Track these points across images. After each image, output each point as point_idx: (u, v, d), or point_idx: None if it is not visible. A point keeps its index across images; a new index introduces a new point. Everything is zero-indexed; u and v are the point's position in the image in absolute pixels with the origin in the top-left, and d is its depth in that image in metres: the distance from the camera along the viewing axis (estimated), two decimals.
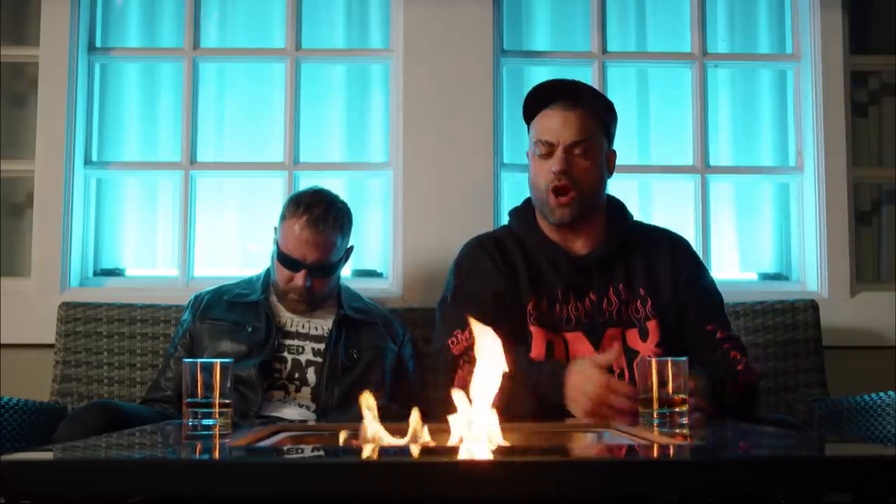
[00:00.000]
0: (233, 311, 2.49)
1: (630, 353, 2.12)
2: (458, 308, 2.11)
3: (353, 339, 2.48)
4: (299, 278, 2.42)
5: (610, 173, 2.25)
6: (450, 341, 2.08)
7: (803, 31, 3.07)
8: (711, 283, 2.26)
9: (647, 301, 2.16)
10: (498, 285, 2.15)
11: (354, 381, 2.41)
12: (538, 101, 2.19)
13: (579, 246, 2.20)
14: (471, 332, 1.98)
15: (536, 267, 2.18)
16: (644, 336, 2.14)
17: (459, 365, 2.03)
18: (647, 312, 2.15)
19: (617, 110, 2.25)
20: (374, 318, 2.55)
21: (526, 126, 2.25)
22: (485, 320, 1.99)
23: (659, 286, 2.18)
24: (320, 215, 2.41)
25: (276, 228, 2.50)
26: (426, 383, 2.60)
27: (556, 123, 2.14)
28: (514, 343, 2.01)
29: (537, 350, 2.10)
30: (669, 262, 2.20)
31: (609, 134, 2.23)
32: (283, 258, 2.43)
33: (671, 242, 2.26)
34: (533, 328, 2.12)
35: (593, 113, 2.17)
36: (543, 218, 2.21)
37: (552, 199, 2.14)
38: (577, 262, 2.17)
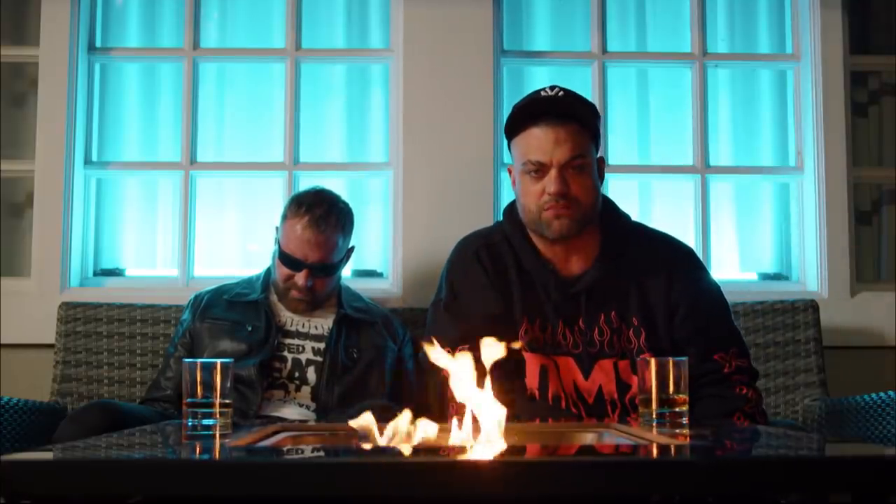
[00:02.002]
0: (233, 310, 2.50)
1: (622, 386, 2.05)
2: (451, 323, 2.07)
3: (354, 339, 2.48)
4: (300, 278, 2.42)
5: (601, 181, 2.13)
6: None
7: (803, 31, 3.07)
8: (715, 301, 2.14)
9: (642, 332, 2.05)
10: (492, 308, 2.06)
11: (354, 380, 2.42)
12: (523, 116, 2.06)
13: (573, 264, 2.10)
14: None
15: (529, 283, 2.09)
16: (637, 370, 2.01)
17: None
18: (640, 344, 2.05)
19: (599, 111, 2.13)
20: (374, 317, 2.55)
21: (507, 142, 2.13)
22: (478, 344, 2.01)
23: (654, 318, 2.07)
24: (322, 215, 2.42)
25: (277, 228, 2.51)
26: (426, 383, 2.59)
27: (546, 142, 2.01)
28: (509, 371, 1.99)
29: (531, 377, 2.05)
30: (666, 292, 2.07)
31: (598, 142, 2.11)
32: (284, 258, 2.43)
33: (668, 264, 2.11)
34: (526, 354, 2.05)
35: (583, 125, 2.04)
36: (535, 232, 2.10)
37: (547, 215, 2.03)
38: (566, 289, 2.07)
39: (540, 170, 2.02)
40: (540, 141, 2.02)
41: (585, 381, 2.06)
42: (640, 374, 1.61)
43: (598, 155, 2.12)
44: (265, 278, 2.57)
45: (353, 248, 2.55)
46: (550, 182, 2.01)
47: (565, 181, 2.01)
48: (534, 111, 2.05)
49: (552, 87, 2.07)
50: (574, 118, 2.03)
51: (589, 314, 2.07)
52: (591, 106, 2.13)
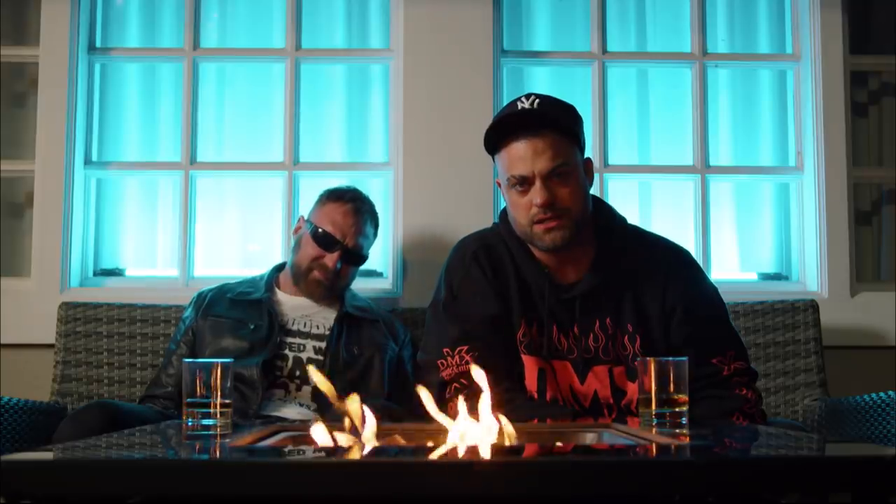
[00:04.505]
0: (235, 308, 2.51)
1: (617, 391, 2.05)
2: (450, 324, 2.07)
3: (355, 336, 2.49)
4: (331, 259, 2.47)
5: (590, 183, 2.10)
6: (439, 362, 2.03)
7: (803, 31, 3.07)
8: (712, 304, 2.12)
9: (637, 339, 2.04)
10: (491, 309, 2.06)
11: (356, 376, 2.42)
12: (500, 131, 2.03)
13: (568, 271, 2.09)
14: (461, 358, 2.00)
15: (526, 287, 2.08)
16: (632, 377, 2.01)
17: (450, 390, 1.98)
18: (635, 351, 2.03)
19: (580, 111, 2.09)
20: (375, 315, 2.57)
21: (491, 157, 2.11)
22: (477, 344, 2.01)
23: (650, 324, 2.05)
24: (363, 209, 2.55)
25: (303, 217, 2.58)
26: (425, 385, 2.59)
27: (525, 155, 1.98)
28: (508, 373, 2.01)
29: (530, 380, 2.05)
30: (661, 297, 2.06)
31: (581, 144, 2.07)
32: (320, 236, 2.48)
33: (664, 268, 2.09)
34: (524, 357, 2.05)
35: (561, 131, 2.01)
36: (529, 243, 2.08)
37: (538, 229, 2.01)
38: (561, 294, 2.06)
39: (524, 183, 2.00)
40: (520, 154, 1.99)
41: (581, 386, 2.06)
42: (640, 374, 1.61)
43: (586, 157, 2.10)
44: (269, 278, 2.59)
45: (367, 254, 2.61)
46: (536, 194, 1.99)
47: (550, 191, 1.99)
48: (510, 125, 2.02)
49: (528, 96, 2.04)
50: (551, 126, 2.01)
51: (583, 320, 2.06)
52: (571, 109, 2.09)
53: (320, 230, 2.48)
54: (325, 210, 2.52)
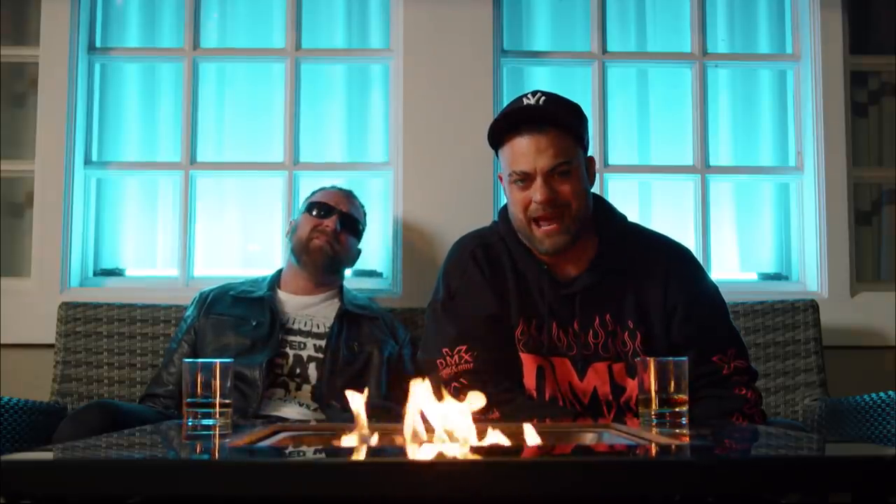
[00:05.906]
0: (237, 306, 2.52)
1: (616, 388, 2.05)
2: (448, 324, 2.07)
3: (355, 333, 2.50)
4: (330, 222, 2.54)
5: (591, 182, 2.10)
6: (439, 361, 2.03)
7: (803, 31, 3.07)
8: (713, 302, 2.12)
9: (637, 335, 2.04)
10: (489, 308, 2.06)
11: (355, 373, 2.43)
12: (504, 126, 2.04)
13: (568, 267, 2.09)
14: (460, 358, 2.00)
15: (525, 284, 2.08)
16: (632, 373, 2.01)
17: (449, 390, 1.99)
18: (635, 347, 2.03)
19: (595, 111, 2.10)
20: (375, 313, 2.59)
21: (494, 151, 2.12)
22: (476, 344, 2.01)
23: (650, 321, 2.05)
24: (348, 191, 2.68)
25: (295, 219, 2.65)
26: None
27: (528, 151, 1.99)
28: (508, 369, 2.03)
29: (528, 377, 2.05)
30: (663, 295, 2.06)
31: (584, 143, 2.08)
32: (316, 207, 2.57)
33: (665, 266, 2.09)
34: (523, 355, 2.06)
35: (565, 129, 2.02)
36: (527, 241, 2.09)
37: (537, 230, 2.02)
38: (561, 290, 2.06)
39: (526, 179, 2.01)
40: (522, 150, 2.00)
41: (580, 383, 2.06)
42: (640, 374, 1.61)
43: (588, 155, 2.11)
44: (272, 278, 2.60)
45: (360, 250, 2.65)
46: (537, 191, 2.00)
47: (552, 188, 2.00)
48: (514, 121, 2.03)
49: (534, 93, 2.05)
50: (555, 124, 2.01)
51: (583, 316, 2.06)
52: (575, 108, 2.09)
53: (315, 203, 2.59)
54: (318, 194, 2.64)
